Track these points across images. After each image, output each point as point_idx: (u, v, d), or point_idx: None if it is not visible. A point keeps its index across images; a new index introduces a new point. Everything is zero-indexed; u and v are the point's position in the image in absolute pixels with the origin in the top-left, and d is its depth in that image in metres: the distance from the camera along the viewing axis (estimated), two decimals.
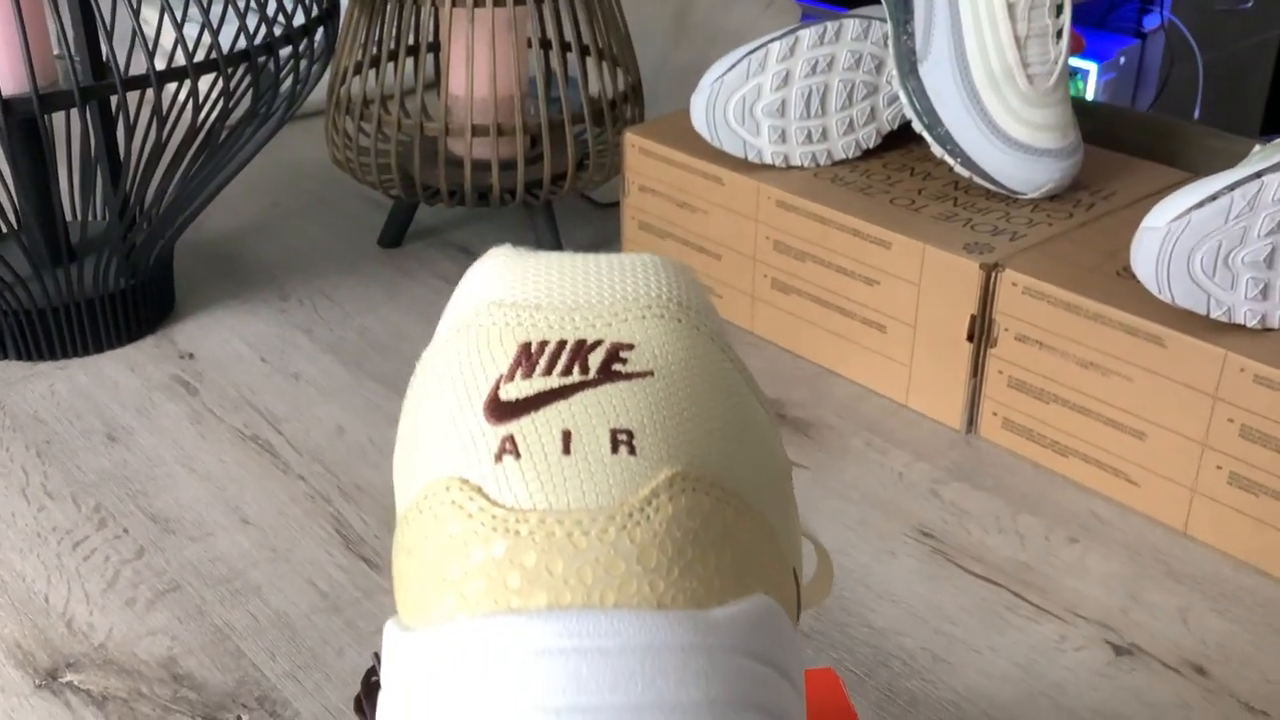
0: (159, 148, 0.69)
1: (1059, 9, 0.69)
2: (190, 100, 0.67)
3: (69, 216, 0.83)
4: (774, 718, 0.21)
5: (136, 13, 0.62)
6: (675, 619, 0.20)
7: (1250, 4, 1.76)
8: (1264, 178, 0.55)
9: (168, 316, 0.80)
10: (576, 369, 0.21)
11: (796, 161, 0.75)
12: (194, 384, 0.73)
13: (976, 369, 0.66)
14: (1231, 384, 0.56)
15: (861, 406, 0.70)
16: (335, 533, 0.61)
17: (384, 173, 0.83)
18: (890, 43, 0.73)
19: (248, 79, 0.67)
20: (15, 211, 0.75)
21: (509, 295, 0.22)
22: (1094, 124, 0.80)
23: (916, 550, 0.60)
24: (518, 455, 0.21)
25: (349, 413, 0.70)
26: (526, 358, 0.21)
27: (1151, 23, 1.70)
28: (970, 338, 0.66)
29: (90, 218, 0.78)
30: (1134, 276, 0.61)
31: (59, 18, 0.61)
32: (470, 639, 0.20)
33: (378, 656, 0.40)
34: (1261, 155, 0.58)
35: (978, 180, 0.71)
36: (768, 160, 0.74)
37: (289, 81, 0.73)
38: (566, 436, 0.21)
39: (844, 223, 0.69)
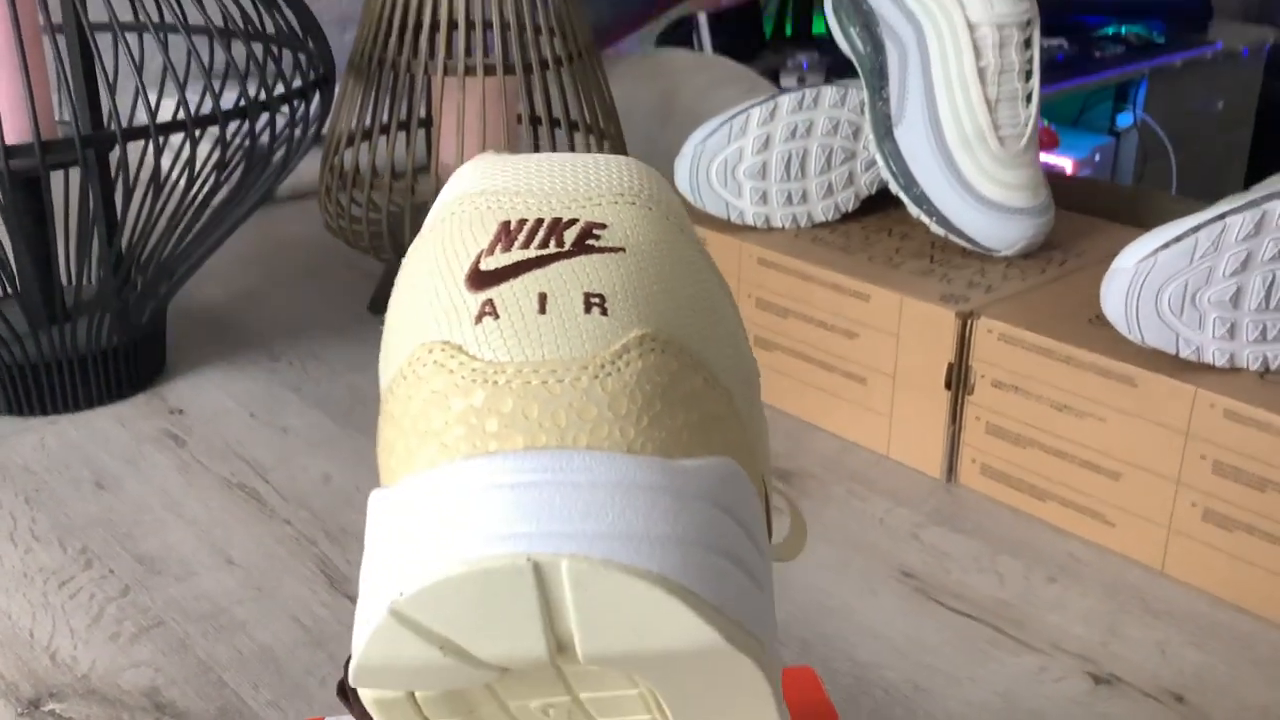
0: (156, 204, 0.70)
1: (1028, 74, 0.72)
2: (188, 157, 0.69)
3: (63, 274, 0.84)
4: (739, 566, 0.22)
5: (140, 69, 0.65)
6: (644, 461, 0.21)
7: (1222, 105, 1.82)
8: (1226, 219, 0.57)
9: (159, 376, 0.81)
10: (553, 242, 0.23)
11: (777, 223, 0.77)
12: (183, 437, 0.74)
13: (955, 417, 0.68)
14: (1203, 420, 0.58)
15: (844, 458, 0.71)
16: (320, 572, 0.61)
17: (375, 239, 0.85)
18: (866, 109, 0.75)
19: (245, 138, 0.69)
20: (10, 274, 0.76)
21: (490, 185, 0.24)
22: (1068, 194, 0.82)
23: (898, 589, 0.60)
24: (496, 316, 0.22)
25: (336, 462, 0.71)
26: (506, 234, 0.23)
27: (1125, 121, 1.75)
28: (948, 385, 0.67)
29: (85, 280, 0.80)
30: (1106, 323, 0.63)
31: (63, 73, 0.63)
32: (450, 479, 0.21)
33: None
34: (1227, 201, 0.60)
35: (953, 238, 0.73)
36: (749, 221, 0.76)
37: (283, 149, 0.75)
38: (542, 298, 0.22)
39: (824, 278, 0.71)
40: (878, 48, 0.75)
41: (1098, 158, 1.71)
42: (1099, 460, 0.62)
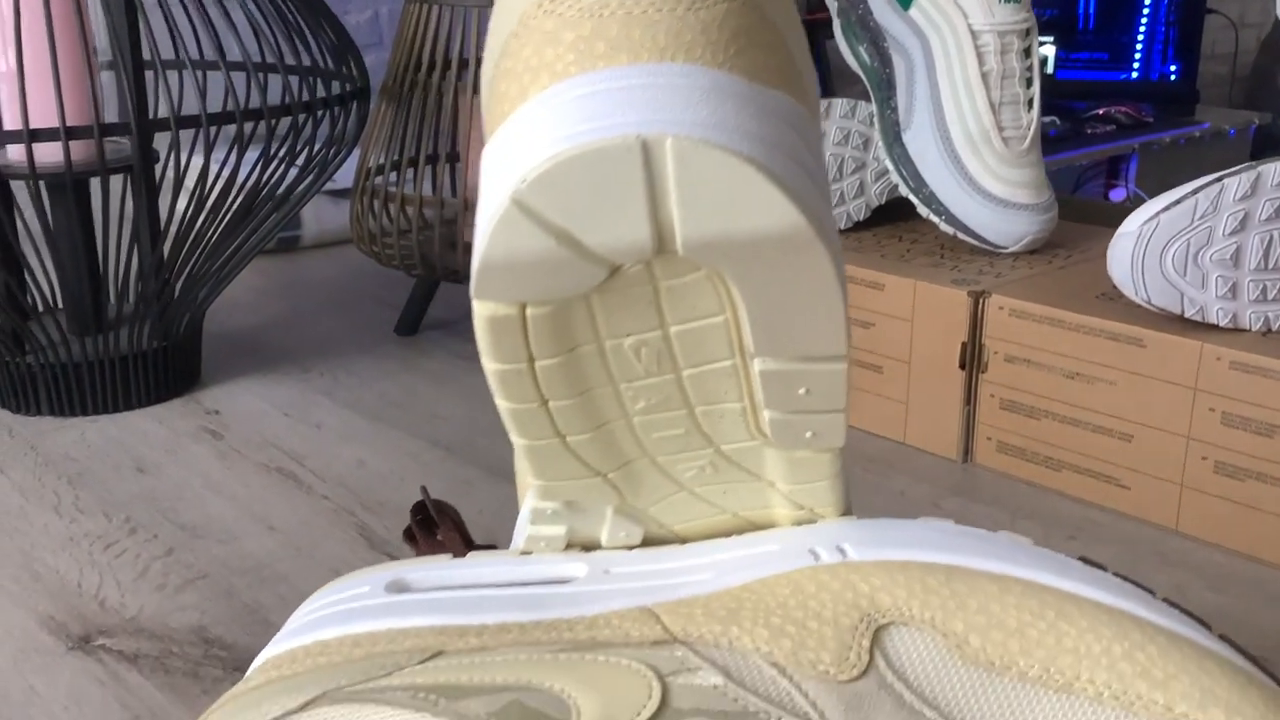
0: (201, 203, 0.74)
1: (1029, 81, 0.76)
2: (233, 154, 0.72)
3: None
4: (813, 179, 0.25)
5: (188, 69, 0.68)
6: (733, 77, 0.24)
7: None
8: (1224, 181, 0.61)
9: (193, 384, 0.83)
10: None
11: None
12: (220, 432, 0.76)
13: (969, 396, 0.70)
14: (1210, 373, 0.60)
15: (861, 446, 0.73)
16: (359, 536, 0.63)
17: (406, 256, 0.88)
18: (875, 118, 0.79)
19: (289, 134, 0.73)
20: (53, 288, 0.79)
21: None
22: (1068, 210, 0.86)
23: None
24: None
25: (370, 451, 0.73)
26: None
27: (1118, 196, 1.80)
28: (962, 365, 0.69)
29: (127, 285, 0.83)
30: (1112, 299, 0.66)
31: (121, 70, 0.67)
32: (562, 90, 0.24)
33: (425, 490, 0.42)
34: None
35: (962, 236, 0.76)
36: None
37: (321, 157, 0.79)
38: None
39: None
40: (884, 61, 0.79)
41: None
42: (1111, 424, 0.64)
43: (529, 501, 0.30)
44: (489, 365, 0.27)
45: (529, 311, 0.26)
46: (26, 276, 0.79)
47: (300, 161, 0.75)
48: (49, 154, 0.70)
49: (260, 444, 0.74)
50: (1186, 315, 0.62)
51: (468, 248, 0.89)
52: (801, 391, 0.27)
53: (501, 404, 0.27)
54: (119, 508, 0.66)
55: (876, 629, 0.26)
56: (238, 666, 0.52)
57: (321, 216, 1.16)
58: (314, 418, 0.78)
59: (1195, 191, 0.61)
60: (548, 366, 0.26)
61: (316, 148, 0.77)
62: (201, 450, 0.73)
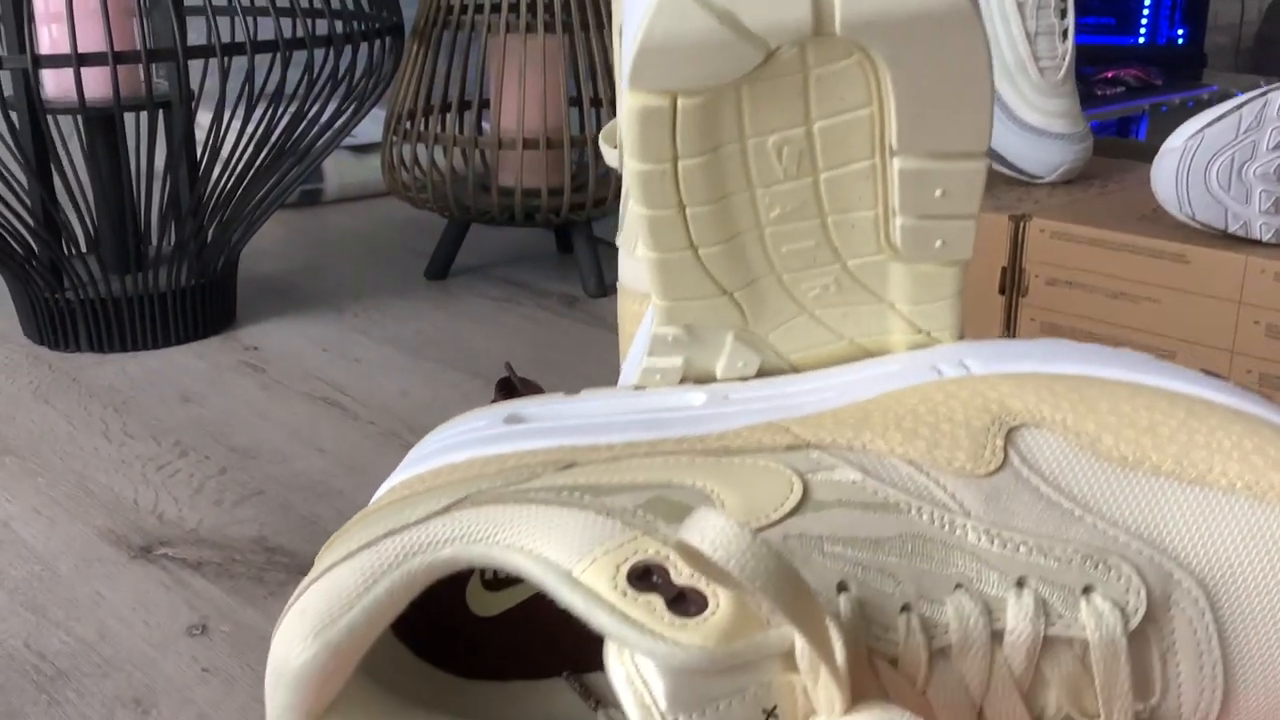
0: (243, 132, 0.74)
1: (1063, 13, 0.76)
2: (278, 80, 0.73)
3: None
4: None
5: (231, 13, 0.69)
6: None
7: None
8: (1268, 95, 0.61)
9: (229, 324, 0.83)
10: None
11: None
12: (260, 366, 0.76)
13: (1009, 321, 0.70)
14: (1254, 286, 0.61)
15: None
16: None
17: (440, 198, 0.89)
18: None
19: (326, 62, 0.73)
20: (88, 227, 0.79)
21: None
22: (1100, 147, 0.86)
23: None
24: None
25: (411, 382, 0.73)
26: None
27: None
28: (1002, 291, 0.70)
29: (166, 219, 0.83)
30: (1153, 219, 0.66)
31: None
32: None
33: (509, 366, 0.43)
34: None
35: (997, 167, 0.76)
36: None
37: (360, 86, 0.79)
38: None
39: None
40: None
41: None
42: (1155, 342, 0.65)
43: (645, 329, 0.30)
44: (634, 166, 0.27)
45: (680, 103, 0.26)
46: (61, 216, 0.79)
47: (340, 93, 0.75)
48: (92, 89, 0.70)
49: (302, 376, 0.74)
50: (1230, 231, 0.62)
51: (501, 190, 0.89)
52: (937, 194, 0.28)
53: (640, 211, 0.28)
54: (167, 433, 0.66)
55: (1009, 430, 0.27)
56: (301, 571, 0.52)
57: (343, 170, 1.17)
58: (353, 353, 0.78)
59: (1240, 106, 0.61)
60: (691, 166, 0.27)
61: (356, 77, 0.78)
62: (244, 382, 0.74)
